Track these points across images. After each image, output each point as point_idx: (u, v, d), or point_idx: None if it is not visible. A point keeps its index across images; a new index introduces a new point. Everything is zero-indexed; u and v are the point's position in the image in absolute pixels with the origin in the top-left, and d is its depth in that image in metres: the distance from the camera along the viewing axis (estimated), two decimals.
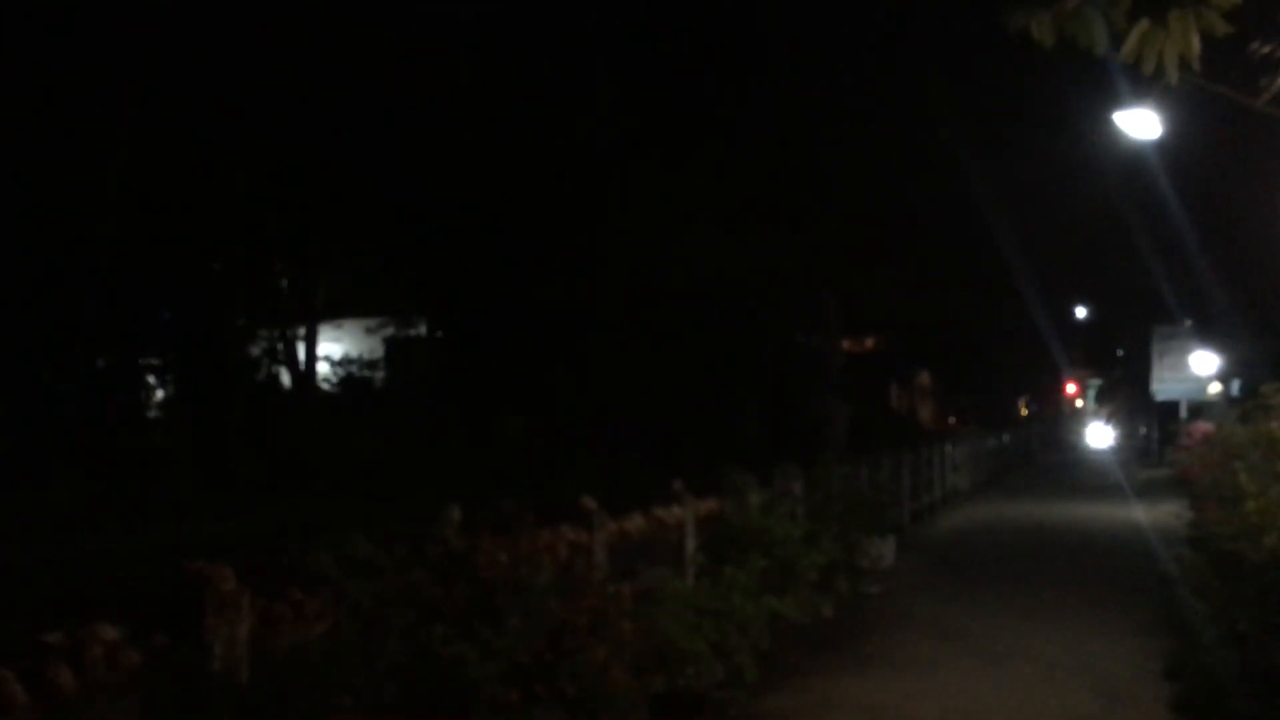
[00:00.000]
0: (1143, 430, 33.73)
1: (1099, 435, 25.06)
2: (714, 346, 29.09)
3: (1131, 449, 32.53)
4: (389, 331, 29.14)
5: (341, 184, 23.77)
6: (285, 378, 26.25)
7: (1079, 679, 7.30)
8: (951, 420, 46.09)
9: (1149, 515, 16.71)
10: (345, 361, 28.21)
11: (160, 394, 23.42)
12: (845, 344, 33.87)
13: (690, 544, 7.88)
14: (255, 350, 25.22)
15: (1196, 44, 3.50)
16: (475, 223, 26.01)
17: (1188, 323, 27.13)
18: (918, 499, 17.56)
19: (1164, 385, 29.24)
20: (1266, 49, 4.27)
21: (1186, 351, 26.29)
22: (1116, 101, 7.47)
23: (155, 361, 22.94)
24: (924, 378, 47.24)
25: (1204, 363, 25.08)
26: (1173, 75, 3.53)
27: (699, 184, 26.22)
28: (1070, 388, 51.34)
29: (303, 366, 26.11)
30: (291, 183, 23.22)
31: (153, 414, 23.17)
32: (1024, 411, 55.38)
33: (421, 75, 23.22)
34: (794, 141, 26.03)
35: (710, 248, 26.50)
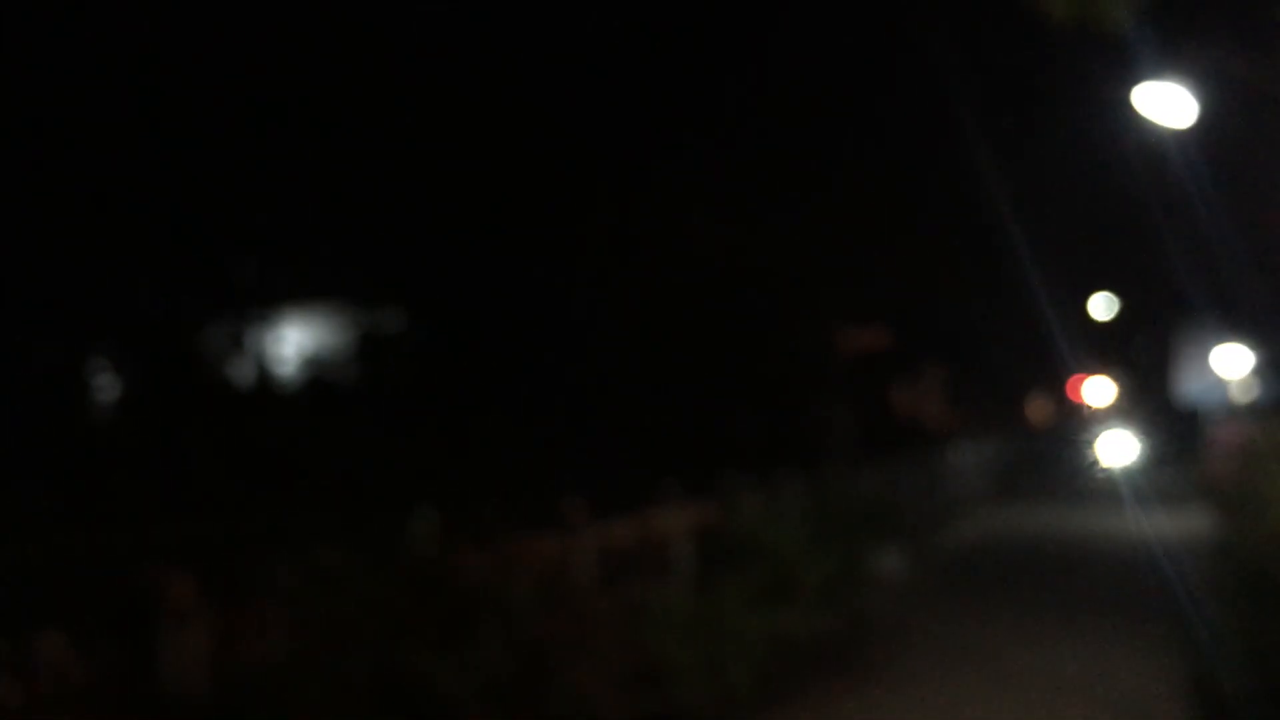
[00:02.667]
0: (1164, 433, 33.79)
1: (1119, 447, 21.09)
2: (711, 344, 29.08)
3: (1153, 454, 32.52)
4: (362, 325, 29.06)
5: (312, 166, 23.69)
6: (248, 374, 26.16)
7: (1095, 697, 7.31)
8: (959, 423, 46.16)
9: (1171, 523, 16.76)
10: (314, 357, 28.12)
11: (112, 393, 23.32)
12: (849, 342, 33.89)
13: (683, 553, 7.88)
14: (215, 344, 25.13)
15: None
16: (458, 211, 25.95)
17: (1213, 320, 27.17)
18: (924, 506, 17.60)
19: (1187, 386, 29.31)
20: None
21: (1211, 350, 26.35)
22: (1137, 85, 7.49)
23: (106, 357, 22.84)
24: (930, 379, 47.30)
25: (1230, 362, 25.13)
26: None
27: (697, 171, 26.22)
28: (1081, 387, 50.74)
29: (267, 362, 26.03)
30: (258, 166, 23.12)
31: (103, 413, 23.07)
32: (1037, 414, 55.47)
33: (400, 48, 23.15)
34: (797, 132, 26.06)
35: (709, 240, 26.50)
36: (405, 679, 4.32)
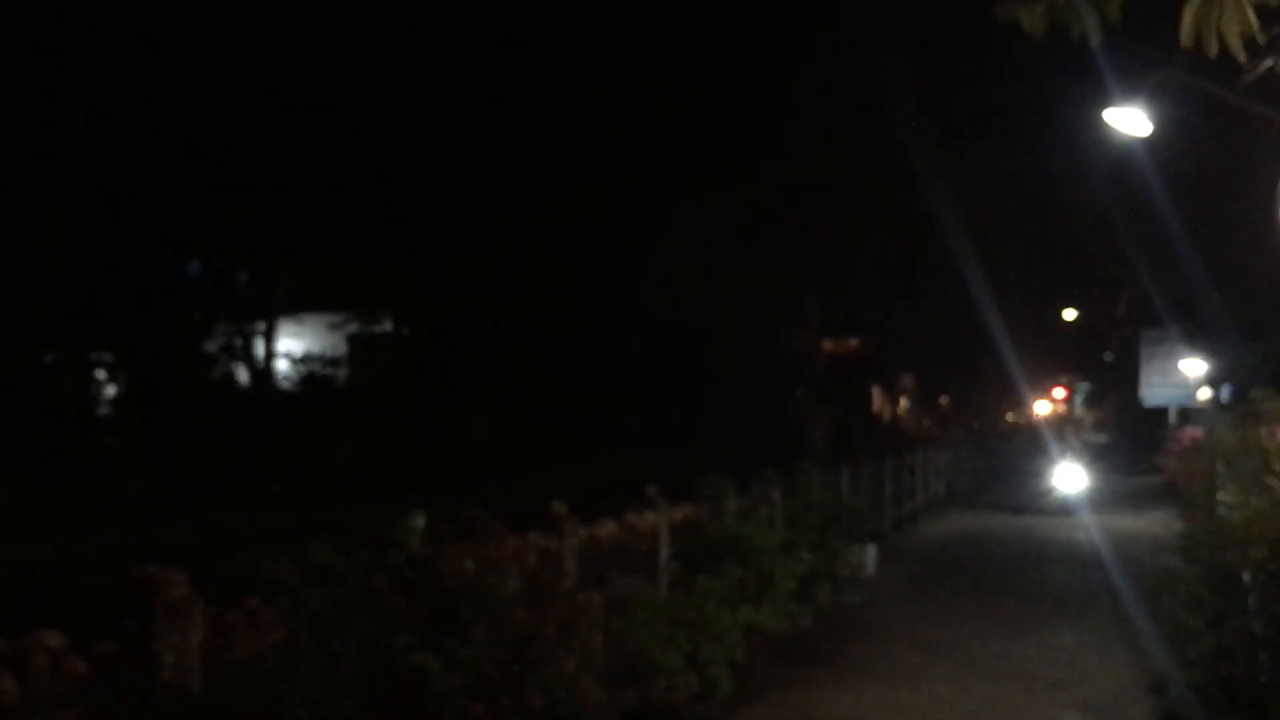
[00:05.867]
0: (1131, 435, 33.98)
1: (1069, 476, 20.53)
2: (692, 348, 29.12)
3: (1118, 458, 32.60)
4: (353, 328, 28.97)
5: (305, 171, 23.62)
6: (243, 375, 26.06)
7: (1064, 692, 7.36)
8: (933, 425, 46.35)
9: (1137, 524, 16.86)
10: (307, 359, 28.01)
11: (111, 391, 23.21)
12: (826, 346, 34.01)
13: (664, 552, 7.88)
14: (212, 346, 25.02)
15: (1253, 18, 3.43)
16: (445, 215, 25.91)
17: (1177, 326, 27.38)
18: (900, 506, 17.65)
19: (1152, 390, 29.50)
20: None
21: (1175, 356, 26.53)
22: (1106, 99, 7.53)
23: (106, 357, 22.73)
24: (907, 382, 47.50)
25: (1193, 367, 25.31)
26: (1240, 53, 3.47)
27: (682, 180, 26.25)
28: (1046, 397, 49.94)
29: (262, 364, 25.94)
30: (252, 170, 23.06)
31: (103, 412, 22.95)
32: (1009, 418, 55.58)
33: (392, 58, 23.10)
34: (778, 138, 26.13)
35: (690, 245, 26.54)
36: (395, 673, 4.32)
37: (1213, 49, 3.43)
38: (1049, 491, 21.66)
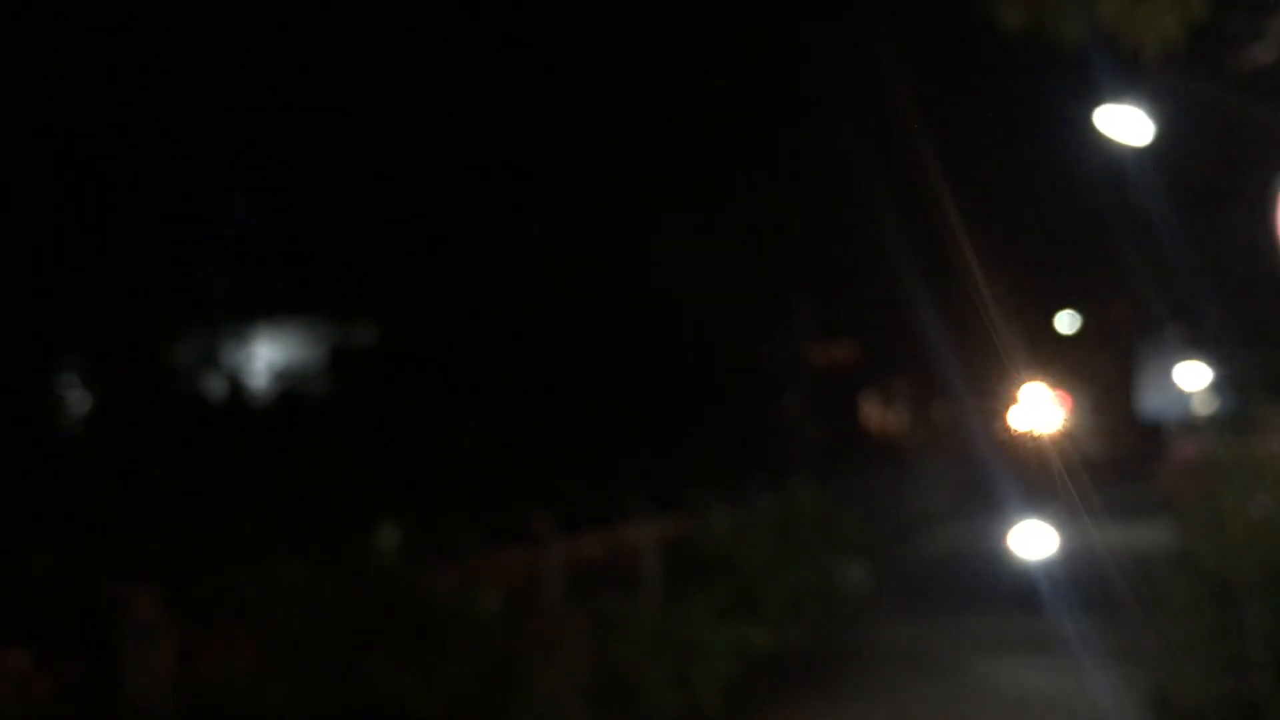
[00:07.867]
0: (1126, 448, 34.12)
1: (1034, 539, 15.82)
2: (679, 356, 29.08)
3: (1113, 469, 32.68)
4: (332, 338, 28.86)
5: (282, 173, 23.52)
6: (218, 387, 25.95)
7: (1060, 709, 7.37)
8: (927, 437, 46.36)
9: (1133, 537, 16.88)
10: (284, 370, 27.91)
11: (80, 404, 23.08)
12: (818, 354, 34.01)
13: (651, 567, 7.88)
14: (185, 357, 24.90)
15: (1174, 28, 3.43)
16: (429, 226, 25.83)
17: (1174, 334, 27.48)
18: (894, 520, 17.68)
19: (1148, 400, 29.62)
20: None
21: (1173, 365, 26.61)
22: (1098, 100, 7.56)
23: (74, 368, 22.59)
24: (900, 391, 47.48)
25: (1190, 376, 25.37)
26: (1151, 53, 3.47)
27: (668, 183, 26.23)
28: (1040, 411, 49.21)
29: (237, 375, 25.82)
30: (229, 179, 22.97)
31: (71, 425, 22.82)
32: (1002, 429, 55.58)
33: (368, 61, 23.03)
34: (766, 138, 26.16)
35: (678, 248, 26.54)
36: (372, 694, 4.29)
37: (1131, 43, 3.42)
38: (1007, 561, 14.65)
